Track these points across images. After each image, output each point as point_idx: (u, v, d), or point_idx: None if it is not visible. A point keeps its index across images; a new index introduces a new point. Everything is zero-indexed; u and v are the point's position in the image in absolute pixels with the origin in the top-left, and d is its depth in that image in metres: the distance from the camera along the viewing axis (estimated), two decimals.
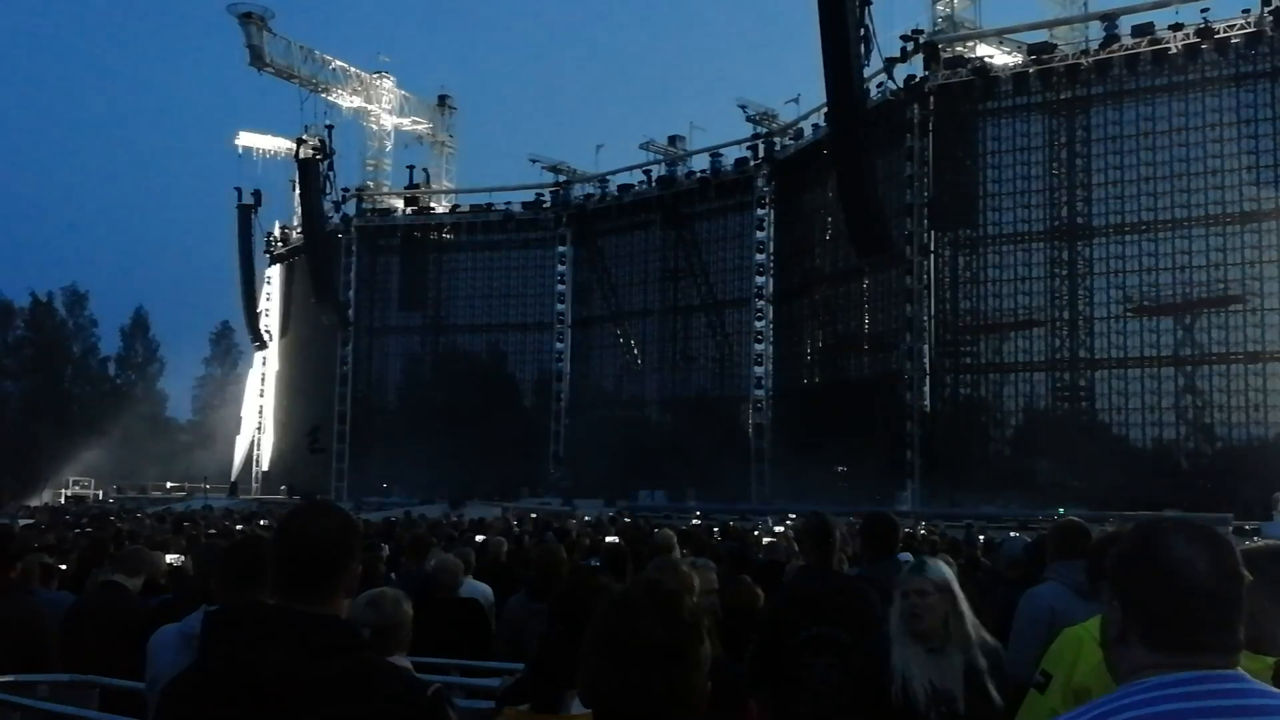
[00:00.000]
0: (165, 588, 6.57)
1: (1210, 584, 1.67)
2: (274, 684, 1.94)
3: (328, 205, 53.47)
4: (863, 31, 30.80)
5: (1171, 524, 1.76)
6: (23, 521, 22.62)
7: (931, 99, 38.42)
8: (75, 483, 56.36)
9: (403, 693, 2.06)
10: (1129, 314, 36.25)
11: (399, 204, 57.57)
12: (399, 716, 2.01)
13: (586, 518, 24.06)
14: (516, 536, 12.80)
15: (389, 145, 59.81)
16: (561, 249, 53.23)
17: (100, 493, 54.89)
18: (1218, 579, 1.68)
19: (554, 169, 53.51)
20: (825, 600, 4.75)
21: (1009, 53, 39.30)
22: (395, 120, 59.04)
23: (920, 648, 3.63)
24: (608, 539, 11.83)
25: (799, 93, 46.24)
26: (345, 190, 55.50)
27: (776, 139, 46.58)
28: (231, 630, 2.06)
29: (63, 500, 47.72)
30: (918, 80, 38.65)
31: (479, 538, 12.32)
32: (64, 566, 8.01)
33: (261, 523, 18.30)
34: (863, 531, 5.86)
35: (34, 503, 44.17)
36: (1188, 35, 34.62)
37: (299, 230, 57.17)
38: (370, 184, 58.66)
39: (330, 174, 51.98)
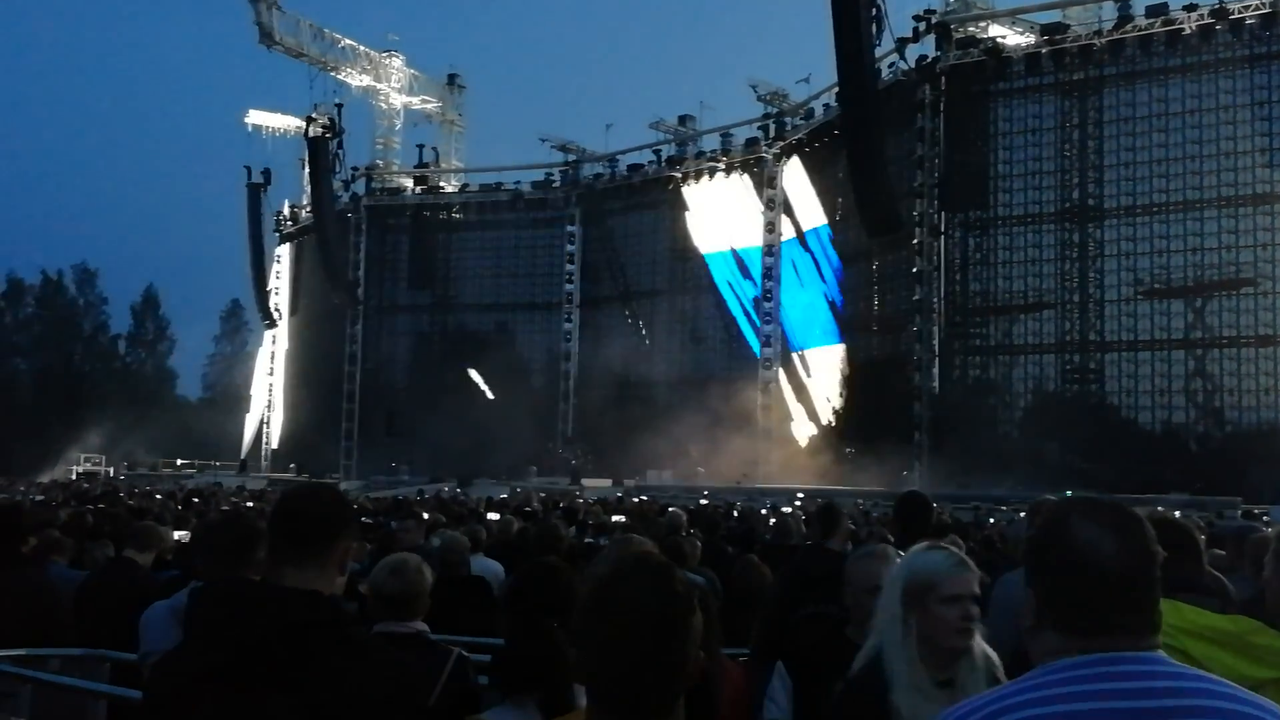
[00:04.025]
0: (173, 564, 6.61)
1: (1119, 565, 1.64)
2: (254, 658, 1.97)
3: (337, 184, 53.38)
4: (874, 11, 30.55)
5: (1077, 505, 1.72)
6: (35, 498, 22.77)
7: (943, 79, 38.24)
8: (85, 459, 56.58)
9: (383, 667, 2.09)
10: (1139, 296, 36.11)
11: (408, 183, 57.55)
12: (380, 690, 2.04)
13: (593, 498, 24.15)
14: (527, 514, 12.84)
15: (398, 124, 59.72)
16: (571, 228, 53.14)
17: (111, 470, 55.09)
18: (1126, 559, 1.65)
19: (563, 148, 53.33)
20: (824, 579, 4.77)
21: (1021, 33, 39.06)
22: (404, 99, 58.92)
23: (931, 679, 2.75)
24: (614, 518, 11.87)
25: (810, 72, 46.20)
26: (354, 169, 55.50)
27: (787, 119, 46.40)
28: (214, 606, 2.09)
29: (73, 477, 47.88)
30: (929, 60, 38.45)
31: (491, 516, 12.39)
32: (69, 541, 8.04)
33: None
34: (895, 512, 5.78)
35: (44, 479, 44.37)
36: (1202, 16, 34.35)
37: (308, 209, 57.12)
38: (379, 163, 58.61)
39: (339, 153, 51.83)
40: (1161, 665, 1.63)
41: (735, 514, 15.45)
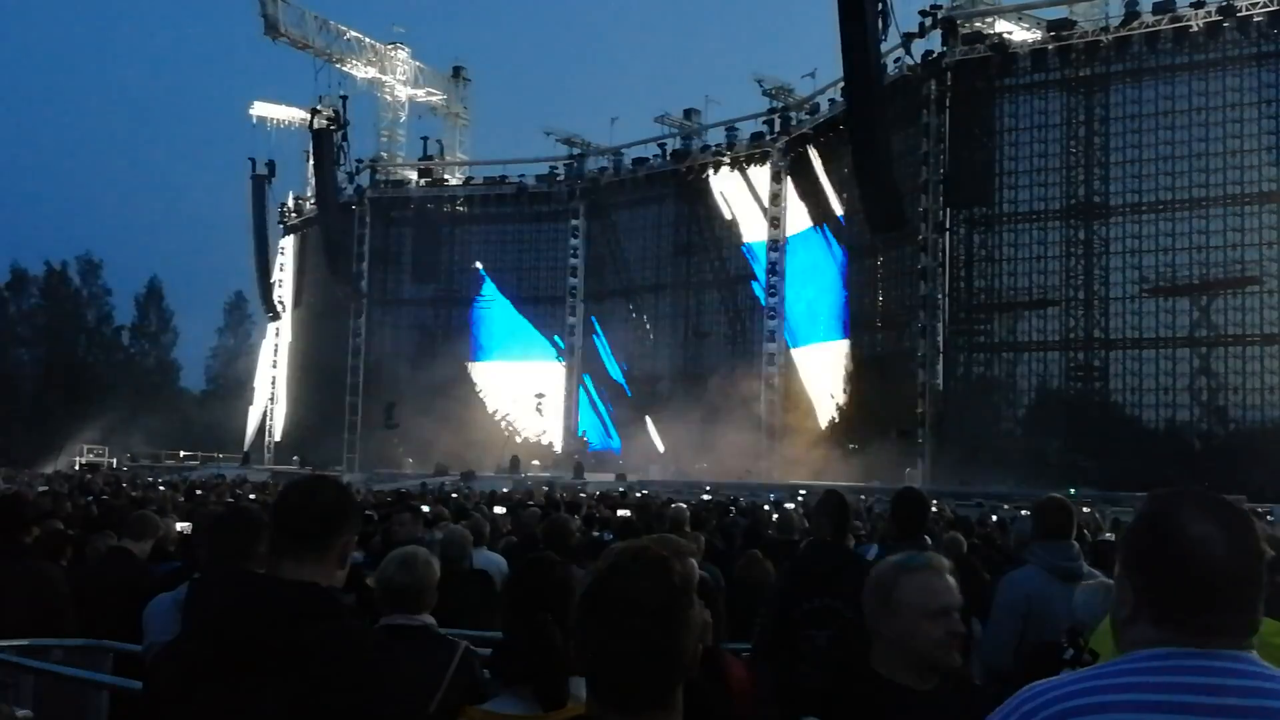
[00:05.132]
0: (175, 555, 6.61)
1: (1229, 564, 1.59)
2: (251, 649, 1.97)
3: (341, 176, 53.43)
4: (880, 6, 30.53)
5: (1186, 497, 1.67)
6: (39, 489, 22.80)
7: (949, 75, 38.13)
8: (89, 450, 56.66)
9: (377, 658, 2.09)
10: (1144, 294, 36.05)
11: (412, 176, 57.54)
12: (376, 681, 2.04)
13: (597, 492, 24.14)
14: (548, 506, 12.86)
15: (403, 116, 59.76)
16: (575, 222, 53.15)
17: (114, 461, 55.18)
18: (1237, 558, 1.60)
19: (568, 141, 53.33)
20: (831, 574, 4.75)
21: (1028, 29, 38.97)
22: (409, 91, 58.95)
23: None
24: (619, 512, 11.87)
25: (815, 68, 45.99)
26: (359, 161, 55.45)
27: (792, 113, 46.34)
28: (212, 598, 2.10)
29: (76, 468, 47.96)
30: (935, 56, 38.37)
31: (499, 509, 12.41)
32: (72, 532, 8.06)
33: None
34: (892, 509, 5.76)
35: (47, 470, 44.45)
36: (1209, 13, 34.25)
37: (312, 201, 57.19)
38: (384, 155, 58.61)
39: (344, 145, 51.89)
40: (1253, 665, 1.60)
41: (731, 511, 15.42)
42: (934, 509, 16.53)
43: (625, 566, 1.75)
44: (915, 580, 2.66)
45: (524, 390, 51.74)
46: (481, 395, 52.18)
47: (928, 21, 37.96)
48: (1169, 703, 1.55)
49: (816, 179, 44.50)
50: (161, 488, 20.98)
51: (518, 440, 50.34)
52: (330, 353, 56.41)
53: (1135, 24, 35.60)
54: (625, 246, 52.64)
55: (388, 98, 58.44)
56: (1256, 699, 1.55)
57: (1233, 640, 1.60)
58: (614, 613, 1.69)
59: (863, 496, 22.64)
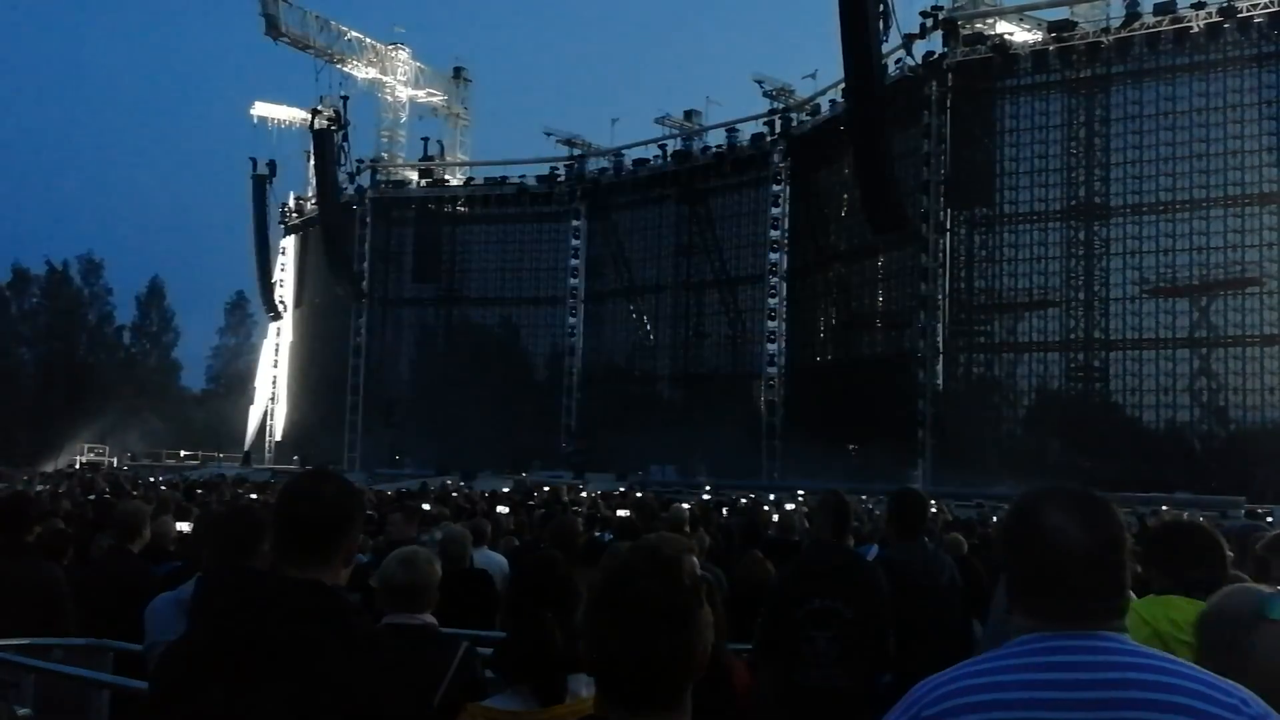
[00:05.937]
0: (175, 555, 6.60)
1: (1085, 552, 1.68)
2: (256, 648, 1.97)
3: (342, 176, 53.46)
4: (881, 7, 30.58)
5: (1048, 492, 1.77)
6: (39, 487, 22.78)
7: (950, 76, 38.13)
8: (89, 450, 56.68)
9: (382, 656, 2.09)
10: (1144, 295, 36.05)
11: (413, 176, 57.54)
12: (381, 680, 2.04)
13: (598, 492, 24.10)
14: (530, 508, 12.83)
15: (404, 117, 59.78)
16: (575, 223, 53.16)
17: (114, 460, 55.19)
18: (1093, 546, 1.68)
19: (569, 142, 53.32)
20: (832, 575, 4.75)
21: (1029, 30, 38.97)
22: (410, 92, 58.96)
23: None
24: (619, 512, 11.86)
25: (816, 68, 46.04)
26: (360, 161, 55.48)
27: (793, 115, 46.32)
28: (217, 596, 2.09)
29: (77, 467, 47.97)
30: (936, 57, 38.35)
31: (501, 509, 12.42)
32: (73, 532, 8.05)
33: None
34: (890, 509, 5.73)
35: (48, 469, 44.43)
36: (1210, 14, 34.25)
37: (313, 201, 57.21)
38: (385, 155, 58.62)
39: (345, 145, 51.92)
40: (1112, 642, 1.66)
41: (725, 511, 15.39)
42: (933, 509, 16.50)
43: (636, 567, 1.75)
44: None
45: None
46: (483, 394, 52.07)
47: (929, 22, 37.94)
48: (1023, 681, 1.63)
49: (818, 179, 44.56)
50: (162, 487, 20.95)
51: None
52: (330, 352, 56.44)
53: (1136, 25, 35.60)
54: (626, 247, 52.65)
55: (388, 98, 58.46)
56: (1107, 672, 1.62)
57: (1097, 622, 1.67)
58: (626, 614, 1.69)
59: (863, 497, 22.60)
